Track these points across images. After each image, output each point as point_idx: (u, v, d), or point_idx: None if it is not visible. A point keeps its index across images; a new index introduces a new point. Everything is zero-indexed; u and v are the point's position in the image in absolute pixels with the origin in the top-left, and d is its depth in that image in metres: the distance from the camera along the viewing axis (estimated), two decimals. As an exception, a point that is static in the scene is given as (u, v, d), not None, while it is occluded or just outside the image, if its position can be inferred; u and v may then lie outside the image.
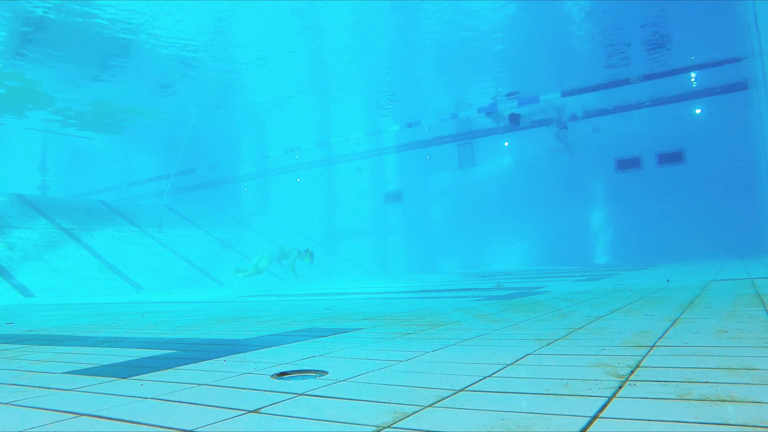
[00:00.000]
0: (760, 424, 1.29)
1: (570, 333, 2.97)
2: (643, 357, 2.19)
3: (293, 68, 17.85)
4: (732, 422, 1.32)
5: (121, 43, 15.42)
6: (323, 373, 2.19)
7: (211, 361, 2.64)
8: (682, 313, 3.62)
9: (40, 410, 1.80)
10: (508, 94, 20.92)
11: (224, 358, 2.72)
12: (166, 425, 1.55)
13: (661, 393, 1.62)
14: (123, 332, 4.25)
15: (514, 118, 20.87)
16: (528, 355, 2.38)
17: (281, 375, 2.20)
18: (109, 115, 21.57)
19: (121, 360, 2.82)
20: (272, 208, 28.48)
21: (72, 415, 1.71)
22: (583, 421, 1.39)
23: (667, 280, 7.03)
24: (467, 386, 1.83)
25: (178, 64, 17.00)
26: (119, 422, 1.61)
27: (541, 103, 21.29)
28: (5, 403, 1.93)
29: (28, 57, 16.04)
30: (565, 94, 20.72)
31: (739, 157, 17.77)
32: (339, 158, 26.73)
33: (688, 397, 1.55)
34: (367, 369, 2.23)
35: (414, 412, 1.55)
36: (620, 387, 1.72)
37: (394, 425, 1.44)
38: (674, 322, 3.19)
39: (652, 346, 2.42)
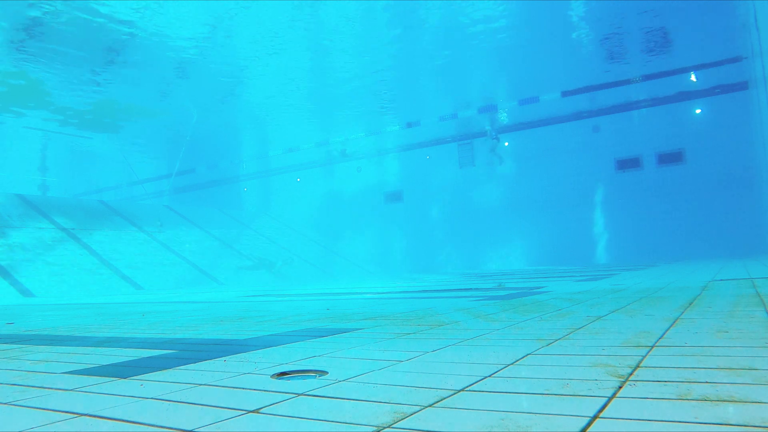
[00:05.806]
0: (760, 424, 1.29)
1: (570, 333, 2.97)
2: (643, 357, 2.19)
3: (294, 67, 17.86)
4: (732, 422, 1.32)
5: (123, 42, 15.42)
6: (323, 373, 2.19)
7: (211, 361, 2.64)
8: (682, 313, 3.62)
9: (40, 410, 1.80)
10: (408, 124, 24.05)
11: (224, 358, 2.72)
12: (166, 425, 1.55)
13: (661, 393, 1.62)
14: (123, 332, 4.25)
15: (343, 153, 26.58)
16: (528, 355, 2.38)
17: (281, 375, 2.20)
18: (110, 115, 21.57)
19: (121, 360, 2.82)
20: (272, 208, 28.48)
21: (72, 415, 1.71)
22: (583, 421, 1.39)
23: None
24: (467, 386, 1.83)
25: (180, 62, 17.00)
26: (119, 422, 1.61)
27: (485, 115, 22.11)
28: (5, 403, 1.93)
29: (30, 55, 16.03)
30: (565, 94, 20.71)
31: (739, 157, 17.76)
32: (339, 158, 26.73)
33: (688, 397, 1.55)
34: (367, 369, 2.23)
35: (414, 412, 1.55)
36: (620, 387, 1.72)
37: (394, 425, 1.44)
38: (674, 322, 3.19)
39: (652, 346, 2.42)
